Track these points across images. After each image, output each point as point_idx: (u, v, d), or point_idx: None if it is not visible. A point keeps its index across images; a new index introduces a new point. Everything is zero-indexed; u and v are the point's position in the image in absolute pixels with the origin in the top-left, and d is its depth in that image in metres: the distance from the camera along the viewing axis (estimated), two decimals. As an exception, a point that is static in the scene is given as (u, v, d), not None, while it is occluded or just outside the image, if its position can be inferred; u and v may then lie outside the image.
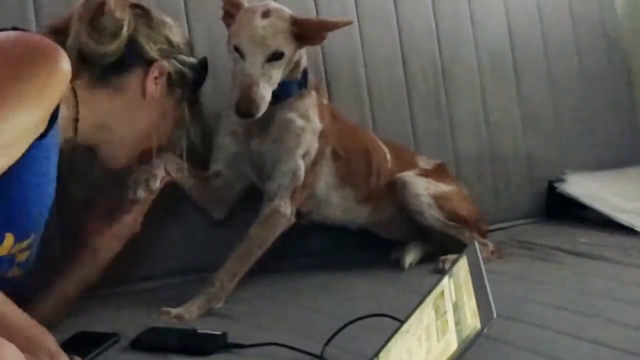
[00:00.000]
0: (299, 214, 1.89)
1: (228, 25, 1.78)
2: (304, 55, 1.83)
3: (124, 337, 1.51)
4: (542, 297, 1.71)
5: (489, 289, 1.02)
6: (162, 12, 1.68)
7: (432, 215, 2.00)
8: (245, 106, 1.67)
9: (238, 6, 1.77)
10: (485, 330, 0.96)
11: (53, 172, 1.43)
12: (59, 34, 1.48)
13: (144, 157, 1.68)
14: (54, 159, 1.42)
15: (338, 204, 1.98)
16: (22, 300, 1.29)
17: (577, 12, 2.73)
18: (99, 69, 1.52)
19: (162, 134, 1.68)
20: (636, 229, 2.24)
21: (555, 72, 2.65)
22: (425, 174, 2.08)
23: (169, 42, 1.62)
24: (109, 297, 1.80)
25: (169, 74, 1.61)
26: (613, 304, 1.62)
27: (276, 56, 1.70)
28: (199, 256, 1.95)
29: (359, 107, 2.26)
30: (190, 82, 1.67)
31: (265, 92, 1.69)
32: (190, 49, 1.71)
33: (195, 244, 1.96)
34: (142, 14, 1.58)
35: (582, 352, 1.36)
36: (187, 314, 1.64)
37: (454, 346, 1.00)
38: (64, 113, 1.39)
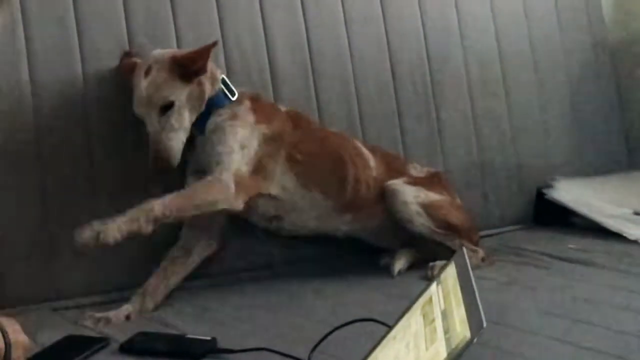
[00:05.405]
0: (268, 218, 1.93)
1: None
2: (214, 67, 1.88)
3: (114, 341, 1.52)
4: (531, 302, 1.71)
5: (478, 298, 1.02)
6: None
7: (421, 223, 2.00)
8: (158, 163, 1.77)
9: (133, 68, 1.84)
10: (475, 339, 0.96)
11: None
12: None
13: None
14: None
15: (308, 209, 1.96)
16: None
17: (564, 20, 2.74)
18: None
19: None
20: (624, 234, 2.24)
21: (544, 79, 2.66)
22: (415, 182, 2.07)
23: None
24: (100, 304, 1.82)
25: None
26: (602, 310, 1.62)
27: (168, 106, 1.77)
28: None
29: (348, 116, 2.27)
30: None
31: (171, 142, 1.78)
32: None
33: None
34: None
35: (571, 358, 1.36)
36: None
37: (443, 355, 1.00)
38: None
